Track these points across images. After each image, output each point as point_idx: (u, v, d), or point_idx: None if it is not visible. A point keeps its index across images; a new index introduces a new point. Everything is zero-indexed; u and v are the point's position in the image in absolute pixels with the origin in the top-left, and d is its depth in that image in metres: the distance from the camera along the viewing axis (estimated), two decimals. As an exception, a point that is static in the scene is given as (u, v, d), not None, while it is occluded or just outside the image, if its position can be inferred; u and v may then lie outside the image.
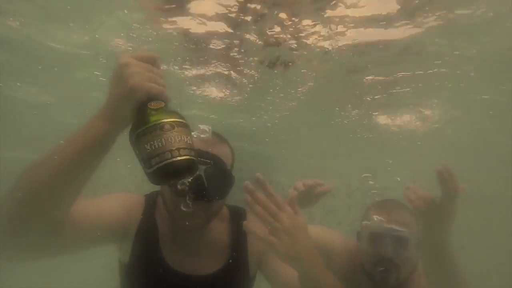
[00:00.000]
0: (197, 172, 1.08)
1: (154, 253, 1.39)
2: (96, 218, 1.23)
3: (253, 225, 1.16)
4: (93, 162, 0.97)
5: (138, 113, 0.91)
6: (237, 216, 1.53)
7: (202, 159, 1.25)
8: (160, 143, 0.84)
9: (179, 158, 0.84)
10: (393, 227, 1.67)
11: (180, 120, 0.90)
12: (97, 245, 1.32)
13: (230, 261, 1.43)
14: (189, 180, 1.04)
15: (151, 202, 1.47)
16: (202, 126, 1.36)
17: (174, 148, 0.84)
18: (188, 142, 0.88)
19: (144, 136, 0.86)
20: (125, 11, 3.33)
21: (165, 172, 0.85)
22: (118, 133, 0.96)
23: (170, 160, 0.84)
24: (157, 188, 1.47)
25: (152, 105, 0.90)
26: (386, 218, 1.71)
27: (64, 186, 0.94)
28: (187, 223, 1.30)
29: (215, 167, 1.27)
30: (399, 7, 3.07)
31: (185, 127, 0.91)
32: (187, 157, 0.86)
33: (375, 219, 1.73)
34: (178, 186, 1.05)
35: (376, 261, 1.69)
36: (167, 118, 0.87)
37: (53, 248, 1.10)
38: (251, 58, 4.12)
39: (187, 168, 0.87)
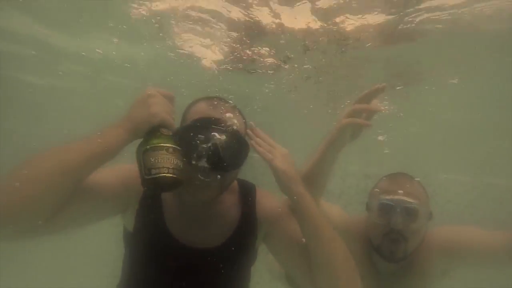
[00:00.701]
0: (212, 141, 1.22)
1: (158, 224, 1.37)
2: (93, 193, 1.23)
3: (257, 133, 1.43)
4: (99, 164, 1.14)
5: (152, 133, 1.17)
6: (247, 189, 1.51)
7: (216, 127, 1.24)
8: (162, 160, 1.11)
9: (170, 175, 1.10)
10: (403, 198, 1.65)
11: (178, 147, 1.16)
12: (100, 218, 1.33)
13: (237, 233, 1.42)
14: (205, 149, 1.22)
15: None
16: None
17: (170, 167, 1.11)
18: (179, 165, 1.14)
19: (152, 151, 1.12)
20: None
21: (157, 181, 1.10)
22: (129, 143, 1.19)
23: (163, 174, 1.10)
24: None
25: (164, 131, 1.17)
26: (397, 189, 1.70)
27: (70, 178, 1.09)
28: (200, 194, 1.29)
29: (230, 136, 1.25)
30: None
31: (180, 153, 1.17)
32: (175, 176, 1.11)
33: (386, 189, 1.73)
34: (195, 155, 1.23)
35: (386, 232, 1.67)
36: (171, 144, 1.15)
37: (56, 224, 1.15)
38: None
39: (172, 183, 1.12)
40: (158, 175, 1.09)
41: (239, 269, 1.47)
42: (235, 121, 1.30)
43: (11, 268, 9.71)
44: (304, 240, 1.35)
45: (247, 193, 1.49)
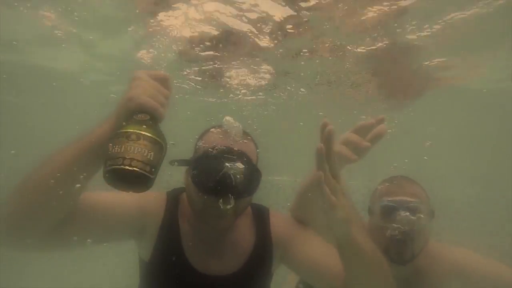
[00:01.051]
0: (224, 170, 1.19)
1: (176, 252, 1.37)
2: (105, 211, 1.24)
3: (321, 181, 1.08)
4: (93, 160, 1.02)
5: (124, 119, 0.97)
6: (260, 212, 1.52)
7: (228, 156, 1.25)
8: (119, 149, 0.89)
9: (127, 167, 0.87)
10: (406, 199, 1.67)
11: (152, 136, 0.94)
12: (110, 239, 1.32)
13: (253, 257, 1.42)
14: (218, 178, 1.19)
15: (173, 199, 1.46)
16: (228, 118, 1.35)
17: (127, 157, 0.88)
18: (148, 157, 0.91)
19: (112, 139, 0.92)
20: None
21: (112, 176, 0.90)
22: None
23: (118, 166, 0.88)
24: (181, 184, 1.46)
25: (138, 116, 0.97)
26: (397, 191, 1.71)
27: (67, 180, 1.03)
28: (216, 223, 1.30)
29: (241, 164, 1.26)
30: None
31: (154, 144, 0.94)
32: (136, 169, 0.88)
33: (388, 192, 1.73)
34: (208, 185, 1.20)
35: (390, 234, 1.67)
36: (138, 130, 0.92)
37: (65, 238, 1.14)
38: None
39: (132, 179, 0.90)
40: (111, 167, 0.89)
41: None
42: (247, 149, 1.32)
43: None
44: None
45: (260, 216, 1.50)
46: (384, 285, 1.25)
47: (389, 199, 1.70)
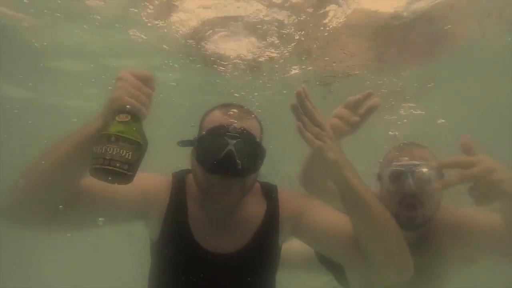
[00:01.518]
0: (228, 147, 1.22)
1: (183, 232, 1.40)
2: (107, 195, 1.28)
3: (301, 128, 1.22)
4: (84, 154, 1.07)
5: (108, 120, 1.07)
6: (268, 191, 1.53)
7: (231, 133, 1.27)
8: (100, 150, 1.01)
9: (106, 167, 0.99)
10: (414, 162, 1.65)
11: (130, 137, 1.04)
12: (115, 221, 1.38)
13: (259, 235, 1.44)
14: (221, 156, 1.23)
15: (179, 181, 1.48)
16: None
17: (107, 158, 1.00)
18: (126, 157, 1.02)
19: (96, 139, 1.04)
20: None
21: (94, 173, 1.03)
22: None
23: (99, 166, 1.00)
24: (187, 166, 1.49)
25: (119, 117, 1.06)
26: (407, 155, 1.69)
27: (63, 172, 1.12)
28: (223, 200, 1.32)
29: (244, 141, 1.28)
30: None
31: (132, 144, 1.04)
32: (114, 168, 1.00)
33: (396, 157, 1.72)
34: (212, 163, 1.24)
35: (400, 199, 1.65)
36: (117, 132, 1.03)
37: (71, 218, 1.23)
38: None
39: (112, 176, 1.02)
40: (93, 166, 1.01)
41: (262, 271, 1.49)
42: (250, 126, 1.33)
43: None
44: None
45: (269, 193, 1.51)
46: (393, 238, 1.26)
47: (398, 164, 1.68)
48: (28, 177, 1.11)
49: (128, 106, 1.06)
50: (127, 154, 1.03)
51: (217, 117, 1.35)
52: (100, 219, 1.29)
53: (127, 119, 1.06)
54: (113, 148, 1.00)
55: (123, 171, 1.02)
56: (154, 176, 1.48)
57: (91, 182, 1.14)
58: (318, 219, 1.42)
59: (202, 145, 1.29)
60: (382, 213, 1.27)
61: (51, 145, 1.13)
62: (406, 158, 1.69)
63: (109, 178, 1.03)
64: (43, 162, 1.10)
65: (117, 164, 1.00)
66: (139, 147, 1.06)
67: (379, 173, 1.82)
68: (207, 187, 1.32)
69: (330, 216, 1.41)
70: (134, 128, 1.06)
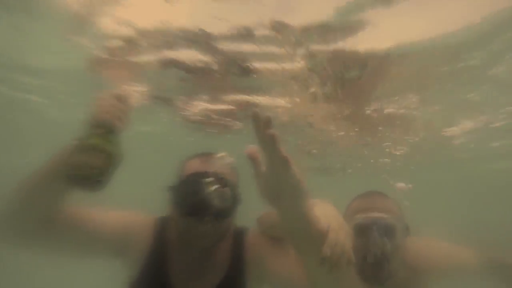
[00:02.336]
0: (204, 191, 1.30)
1: (161, 275, 1.44)
2: (89, 223, 1.35)
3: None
4: (59, 176, 1.15)
5: (86, 132, 1.17)
6: (238, 235, 1.57)
7: (207, 179, 1.34)
8: (74, 158, 1.10)
9: (79, 172, 1.09)
10: (379, 215, 1.58)
11: (102, 147, 1.13)
12: (93, 252, 1.43)
13: (225, 280, 1.46)
14: (197, 200, 1.31)
15: (162, 225, 1.53)
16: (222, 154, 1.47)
17: (80, 165, 1.09)
18: (93, 165, 1.10)
19: (72, 150, 1.13)
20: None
21: (68, 179, 1.11)
22: None
23: (72, 172, 1.09)
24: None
25: (95, 130, 1.16)
26: (371, 207, 1.62)
27: (45, 191, 1.22)
28: (197, 243, 1.37)
29: (220, 186, 1.34)
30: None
31: (102, 152, 1.13)
32: (85, 174, 1.09)
33: (360, 208, 1.64)
34: (188, 207, 1.32)
35: (364, 254, 1.54)
36: (90, 142, 1.13)
37: (49, 239, 1.31)
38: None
39: (83, 182, 1.10)
40: (67, 173, 1.10)
41: None
42: (226, 172, 1.40)
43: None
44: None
45: (238, 238, 1.55)
46: None
47: (362, 216, 1.60)
48: (18, 192, 1.23)
49: (103, 120, 1.17)
50: (99, 162, 1.12)
51: (194, 165, 1.43)
52: (78, 245, 1.36)
53: (101, 132, 1.16)
54: (85, 156, 1.10)
55: (94, 178, 1.11)
56: (140, 215, 1.55)
57: (79, 209, 1.21)
58: (281, 266, 1.44)
59: (180, 190, 1.37)
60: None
61: (39, 165, 1.23)
62: (370, 209, 1.61)
63: (80, 184, 1.11)
64: (27, 181, 1.22)
65: (88, 171, 1.09)
66: (109, 156, 1.14)
67: None
68: (184, 230, 1.38)
69: (292, 264, 1.41)
70: (108, 140, 1.16)
